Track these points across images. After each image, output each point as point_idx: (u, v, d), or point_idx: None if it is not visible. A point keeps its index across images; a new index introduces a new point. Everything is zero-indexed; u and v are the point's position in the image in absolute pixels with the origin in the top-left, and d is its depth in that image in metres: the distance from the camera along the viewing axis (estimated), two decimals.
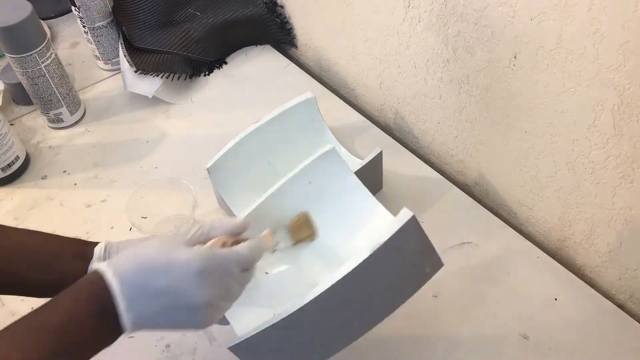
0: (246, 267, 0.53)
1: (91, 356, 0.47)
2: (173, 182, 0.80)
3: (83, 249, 0.60)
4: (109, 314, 0.47)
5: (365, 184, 0.74)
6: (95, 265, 0.49)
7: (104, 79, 1.06)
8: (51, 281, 0.57)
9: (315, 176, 0.66)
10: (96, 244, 0.61)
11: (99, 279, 0.47)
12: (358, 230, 0.65)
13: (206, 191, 0.82)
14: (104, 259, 0.59)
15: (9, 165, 0.88)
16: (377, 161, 0.79)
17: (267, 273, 0.64)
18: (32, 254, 0.58)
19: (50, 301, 0.47)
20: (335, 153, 0.67)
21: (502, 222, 0.80)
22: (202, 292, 0.48)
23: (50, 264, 0.58)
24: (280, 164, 0.83)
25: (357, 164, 0.77)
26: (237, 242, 0.55)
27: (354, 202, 0.66)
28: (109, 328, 0.47)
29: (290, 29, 1.08)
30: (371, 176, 0.80)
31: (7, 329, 0.45)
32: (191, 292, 0.48)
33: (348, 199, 0.67)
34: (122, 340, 0.71)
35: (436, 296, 0.72)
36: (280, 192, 0.64)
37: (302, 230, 0.64)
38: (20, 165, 0.90)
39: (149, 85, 0.98)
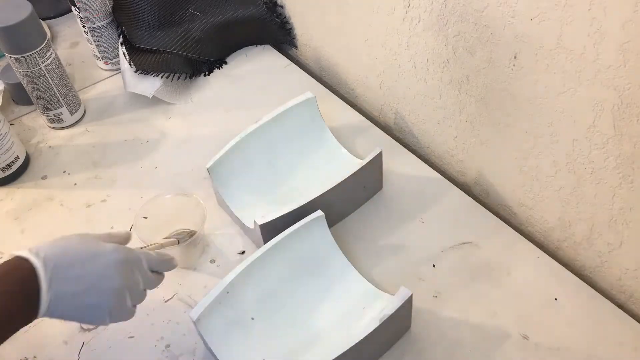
0: (154, 268, 0.62)
1: (7, 336, 0.52)
2: (183, 197, 0.77)
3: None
4: (31, 294, 0.51)
5: (365, 185, 0.75)
6: (19, 252, 0.53)
7: (104, 79, 1.06)
8: None
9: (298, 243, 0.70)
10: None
11: (24, 261, 0.52)
12: (331, 290, 0.71)
13: (206, 191, 0.82)
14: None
15: (9, 165, 0.88)
16: (377, 161, 0.79)
17: (252, 319, 0.67)
18: None
19: None
20: (322, 221, 0.71)
21: (502, 222, 0.80)
22: (120, 278, 0.56)
23: None
24: (280, 164, 0.83)
25: (357, 164, 0.77)
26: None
27: (328, 263, 0.72)
28: (27, 307, 0.52)
29: (290, 28, 1.08)
30: (371, 176, 0.80)
31: None
32: (111, 277, 0.56)
33: (323, 260, 0.72)
34: (122, 340, 0.71)
35: (436, 296, 0.72)
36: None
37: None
38: (20, 165, 0.90)
39: (149, 85, 0.97)
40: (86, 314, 0.56)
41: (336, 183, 0.74)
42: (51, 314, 0.54)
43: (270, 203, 0.79)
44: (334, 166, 0.84)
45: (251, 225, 0.73)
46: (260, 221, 0.71)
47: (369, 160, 0.77)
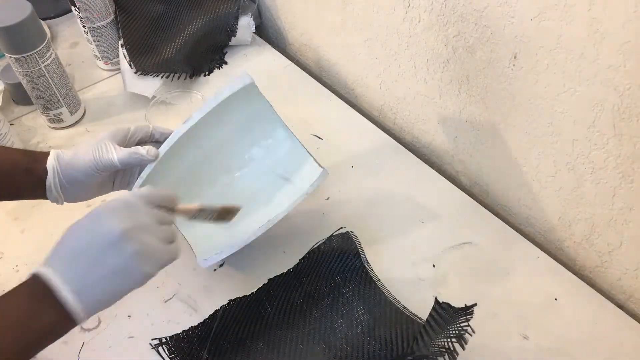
0: (152, 202, 0.56)
1: (35, 341, 0.49)
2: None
3: (32, 166, 0.65)
4: (47, 296, 0.49)
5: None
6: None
7: (104, 79, 1.06)
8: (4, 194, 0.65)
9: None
10: (47, 154, 0.66)
11: (32, 275, 0.50)
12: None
13: None
14: (57, 172, 0.65)
15: None
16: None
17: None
18: None
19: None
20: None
21: (502, 222, 0.80)
22: (115, 223, 0.51)
23: (4, 180, 0.64)
24: (229, 172, 0.79)
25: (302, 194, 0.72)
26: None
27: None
28: (49, 308, 0.49)
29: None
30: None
31: None
32: (106, 226, 0.51)
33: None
34: (122, 340, 0.71)
35: (436, 296, 0.72)
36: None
37: (226, 216, 0.66)
38: None
39: (149, 85, 0.98)
40: (118, 277, 0.51)
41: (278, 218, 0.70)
42: (88, 305, 0.50)
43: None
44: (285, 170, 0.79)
45: (202, 265, 0.70)
46: (204, 264, 0.69)
47: (312, 189, 0.72)
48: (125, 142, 0.68)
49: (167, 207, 0.58)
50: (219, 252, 0.69)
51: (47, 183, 0.65)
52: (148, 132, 0.70)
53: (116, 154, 0.65)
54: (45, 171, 0.65)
